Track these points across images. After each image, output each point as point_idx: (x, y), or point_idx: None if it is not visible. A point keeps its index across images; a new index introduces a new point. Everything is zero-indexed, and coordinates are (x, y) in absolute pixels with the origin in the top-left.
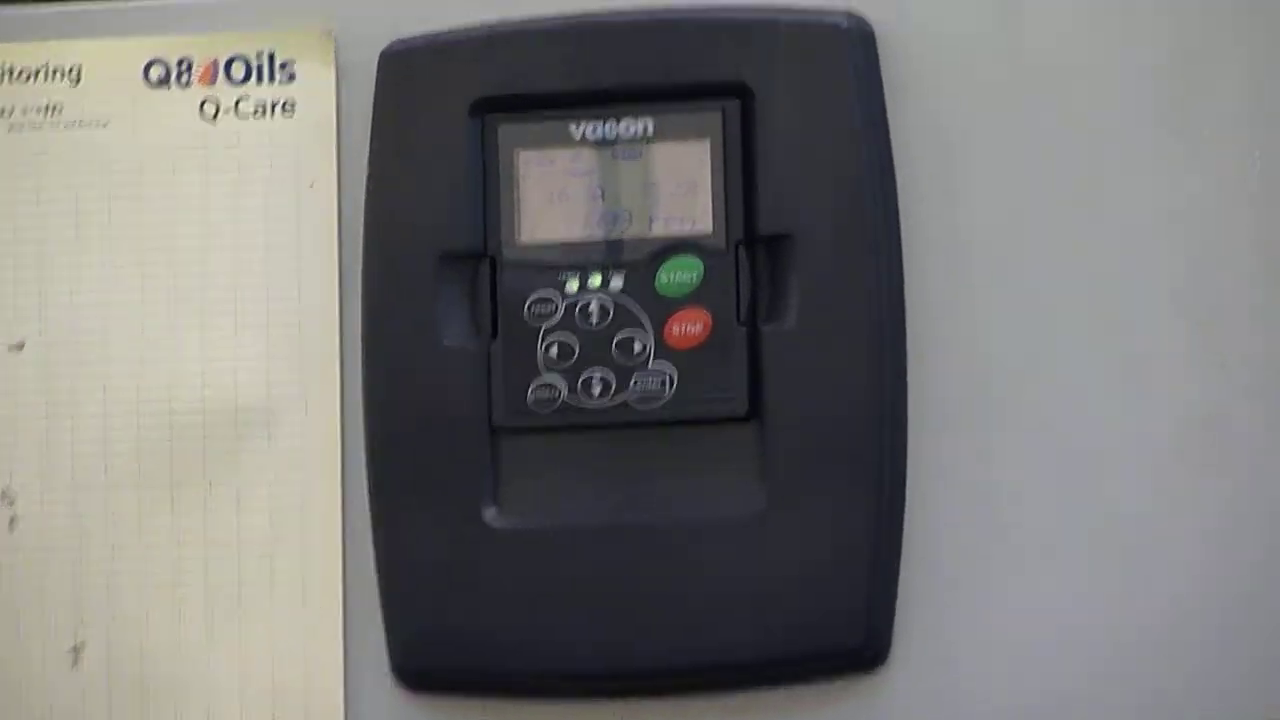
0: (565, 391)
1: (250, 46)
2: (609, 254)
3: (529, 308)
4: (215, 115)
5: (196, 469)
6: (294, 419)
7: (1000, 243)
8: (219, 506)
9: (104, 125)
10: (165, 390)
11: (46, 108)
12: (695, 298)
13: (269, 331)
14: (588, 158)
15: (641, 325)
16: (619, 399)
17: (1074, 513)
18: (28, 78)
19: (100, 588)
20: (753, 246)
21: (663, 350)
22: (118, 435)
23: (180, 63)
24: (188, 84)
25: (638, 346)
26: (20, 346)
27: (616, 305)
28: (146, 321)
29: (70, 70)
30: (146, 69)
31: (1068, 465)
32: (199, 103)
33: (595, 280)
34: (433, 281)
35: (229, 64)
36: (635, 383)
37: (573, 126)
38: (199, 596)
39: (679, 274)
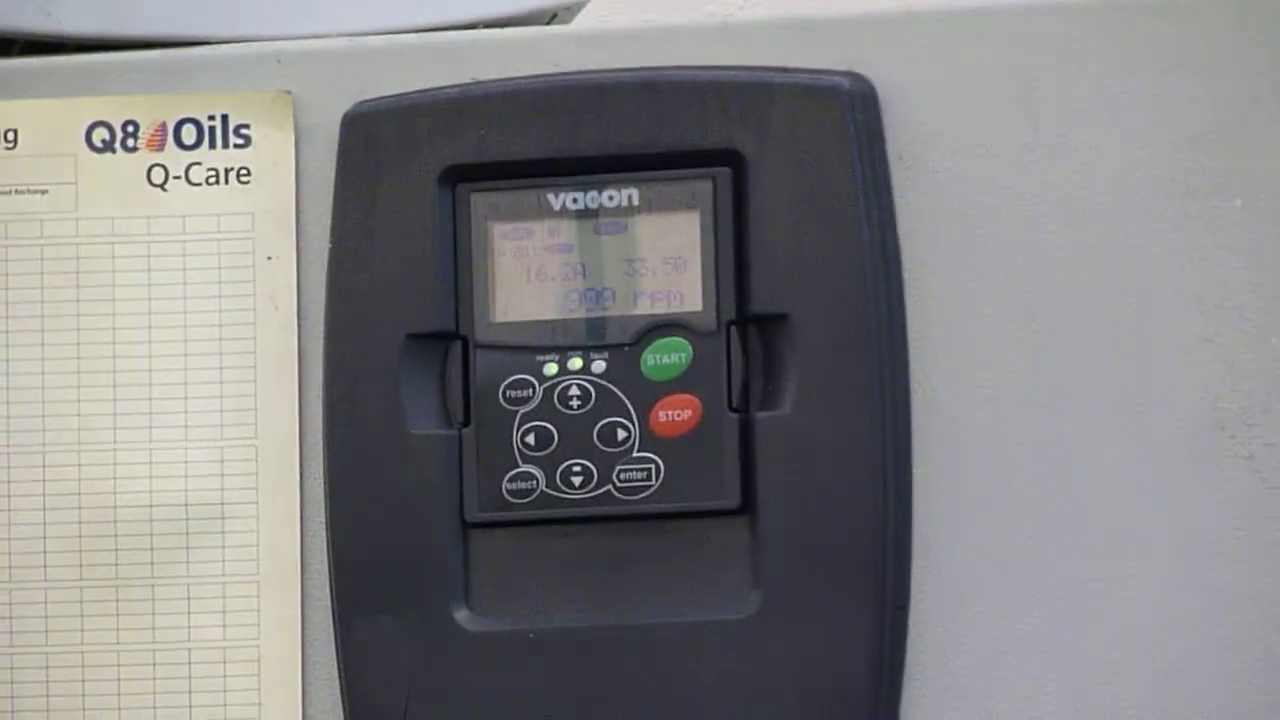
0: (543, 482)
1: (202, 108)
2: (590, 334)
3: (504, 393)
4: (164, 182)
5: (143, 570)
6: (249, 514)
7: (1014, 326)
8: (168, 610)
9: (42, 193)
10: (109, 483)
11: None
12: (683, 382)
13: (222, 418)
14: (568, 230)
15: (625, 411)
16: (601, 490)
17: (1094, 613)
18: None
19: (39, 694)
20: (745, 327)
21: (648, 438)
22: (56, 530)
23: (126, 125)
24: (134, 148)
25: (621, 434)
26: None
27: (598, 390)
28: (84, 407)
29: (5, 133)
30: (89, 132)
31: (1087, 563)
32: (146, 169)
33: (576, 363)
34: (400, 364)
35: (179, 127)
36: (619, 473)
37: (551, 196)
38: (146, 705)
39: (666, 356)
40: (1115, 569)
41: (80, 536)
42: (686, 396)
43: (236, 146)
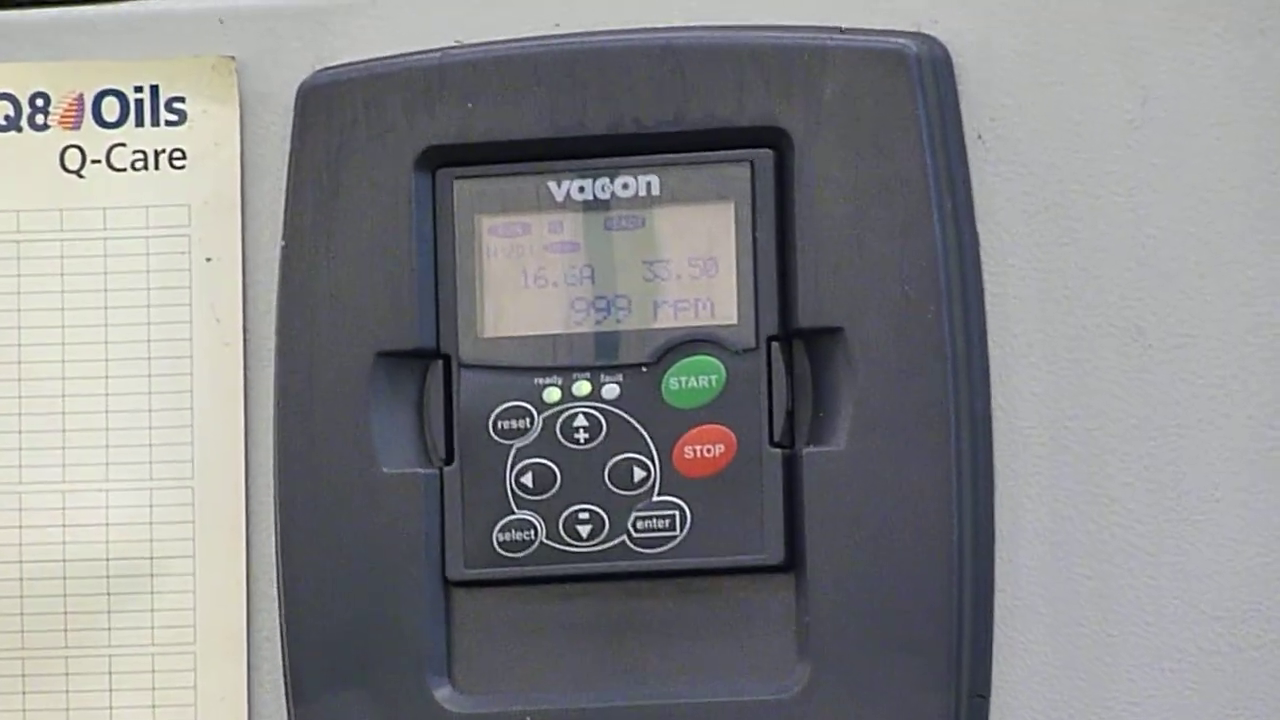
0: (543, 532)
1: (127, 77)
2: (600, 353)
3: (495, 423)
4: (80, 168)
5: (55, 637)
6: (183, 570)
7: (1119, 343)
8: (84, 686)
9: None
10: (13, 533)
11: None
12: (714, 410)
13: (151, 455)
14: (572, 225)
15: (644, 446)
16: (614, 542)
17: (1230, 703)
18: None
19: None
20: (790, 343)
21: (671, 479)
22: None
23: (34, 99)
24: (44, 126)
25: (639, 474)
26: None
27: (610, 420)
28: None
29: None
30: None
31: (1212, 635)
32: (59, 152)
33: (583, 387)
34: (368, 388)
35: (99, 100)
36: (635, 522)
37: (553, 185)
38: None
39: (693, 379)
40: (1243, 638)
41: None
42: (718, 428)
43: (169, 124)
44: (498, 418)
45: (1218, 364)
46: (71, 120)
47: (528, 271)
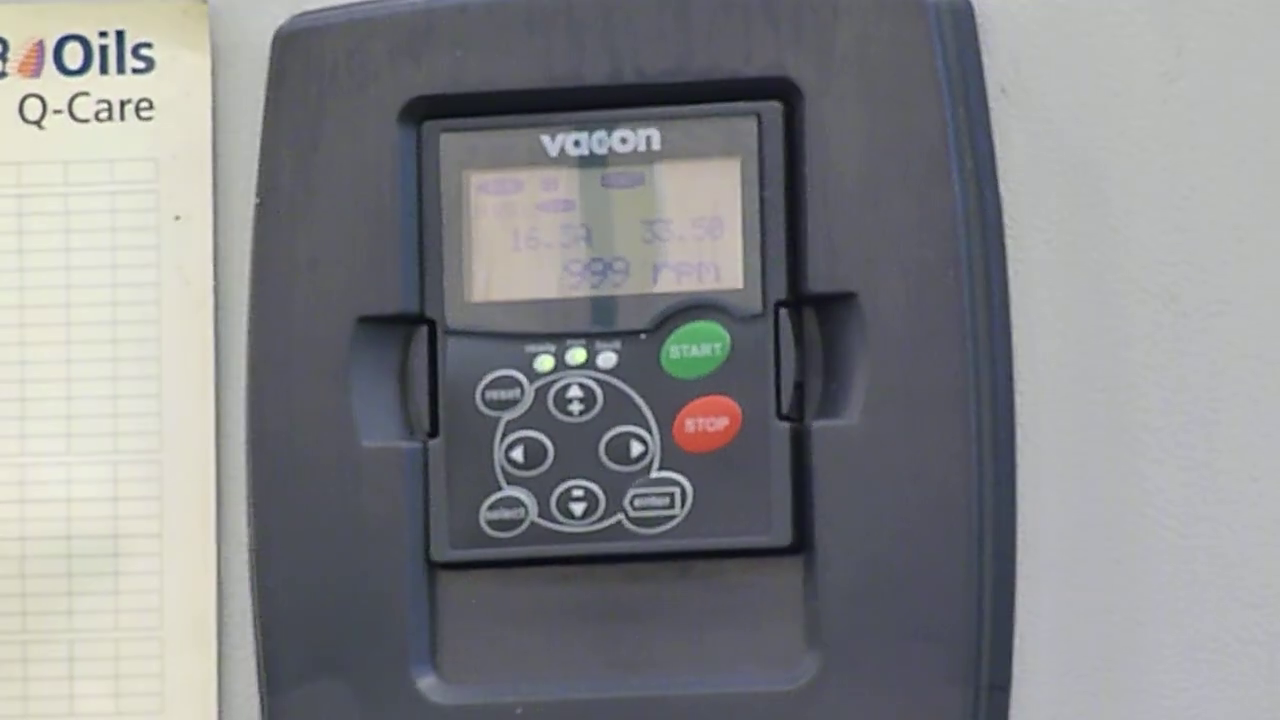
0: (534, 511)
1: (91, 21)
2: (597, 318)
3: (483, 394)
4: (40, 119)
5: (12, 620)
6: (150, 550)
7: (1151, 310)
8: (44, 673)
9: None
10: None
11: None
12: (717, 381)
13: (116, 426)
14: (567, 183)
15: (642, 419)
16: (610, 521)
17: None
18: None
19: None
20: (799, 310)
21: (672, 454)
22: None
23: None
24: (1, 74)
25: (637, 449)
26: None
27: (607, 390)
28: None
29: None
30: None
31: (1249, 622)
32: (18, 101)
33: (577, 355)
34: (348, 356)
35: (60, 46)
36: (633, 499)
37: (546, 139)
38: None
39: (695, 347)
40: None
41: None
42: (722, 400)
43: (136, 71)
44: (486, 388)
45: (1256, 333)
46: (31, 68)
47: (519, 232)
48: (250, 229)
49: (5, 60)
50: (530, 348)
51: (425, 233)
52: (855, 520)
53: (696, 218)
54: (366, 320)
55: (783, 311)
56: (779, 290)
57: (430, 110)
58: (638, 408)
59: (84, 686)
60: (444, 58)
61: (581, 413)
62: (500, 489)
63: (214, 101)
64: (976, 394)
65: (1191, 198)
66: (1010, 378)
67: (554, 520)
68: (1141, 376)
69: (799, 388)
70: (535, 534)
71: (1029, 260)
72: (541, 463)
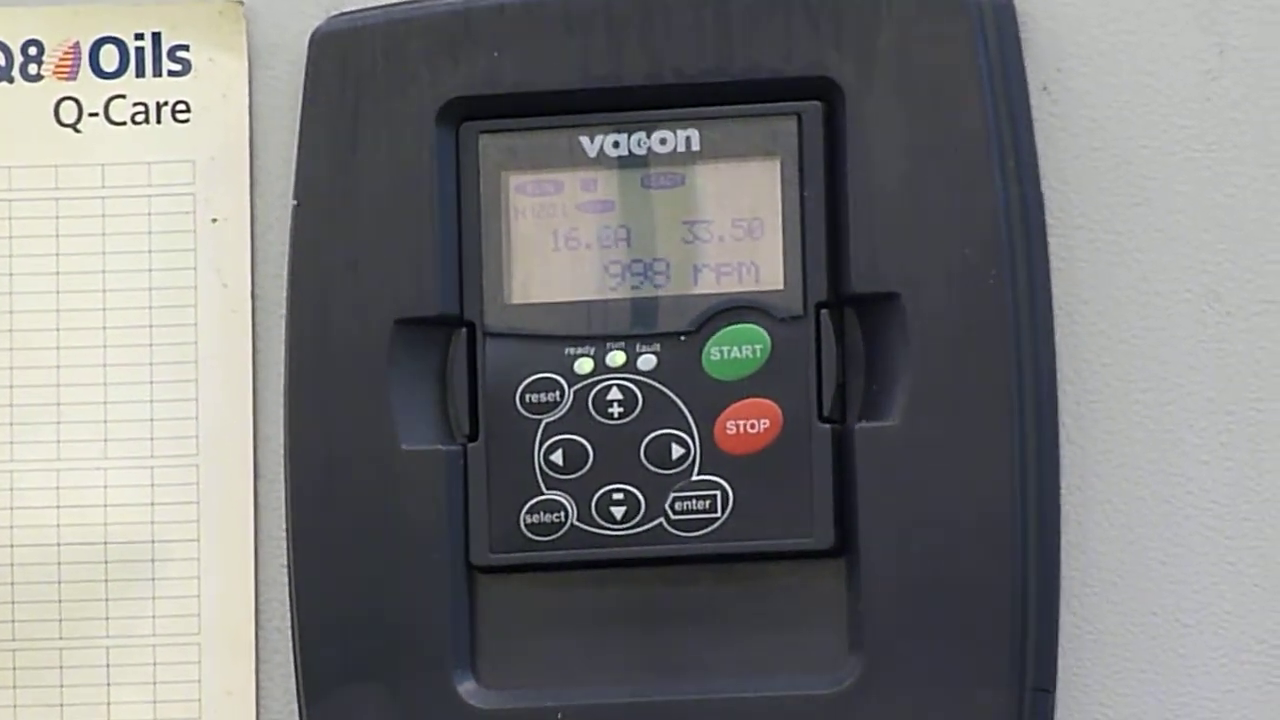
0: (574, 514)
1: (128, 23)
2: (637, 320)
3: (523, 396)
4: (77, 122)
5: (49, 627)
6: (188, 555)
7: (1194, 309)
8: (81, 680)
9: None
10: (4, 514)
11: None
12: (759, 382)
13: (153, 430)
14: (607, 183)
15: (683, 422)
16: (651, 525)
17: None
18: None
19: None
20: (840, 311)
21: (713, 457)
22: None
23: (26, 47)
24: (37, 77)
25: (677, 451)
26: None
27: (647, 393)
28: None
29: None
30: None
31: (1279, 632)
32: (54, 104)
33: (617, 358)
34: (386, 359)
35: (96, 48)
36: (674, 502)
37: (585, 140)
38: None
39: (736, 349)
40: None
41: None
42: (763, 402)
43: (172, 74)
44: (525, 390)
45: None
46: (67, 70)
47: (558, 233)
48: (288, 231)
49: (41, 63)
50: (570, 350)
51: (464, 234)
52: (898, 523)
53: (737, 218)
54: (405, 322)
55: (824, 312)
56: (820, 291)
57: (468, 111)
58: (678, 410)
59: (121, 693)
60: (482, 58)
61: (621, 415)
62: (540, 492)
63: (251, 103)
64: (1019, 395)
65: (1235, 196)
66: (1053, 378)
67: (594, 524)
68: (1185, 377)
69: (840, 389)
70: (575, 537)
71: (1072, 260)
72: (582, 466)
